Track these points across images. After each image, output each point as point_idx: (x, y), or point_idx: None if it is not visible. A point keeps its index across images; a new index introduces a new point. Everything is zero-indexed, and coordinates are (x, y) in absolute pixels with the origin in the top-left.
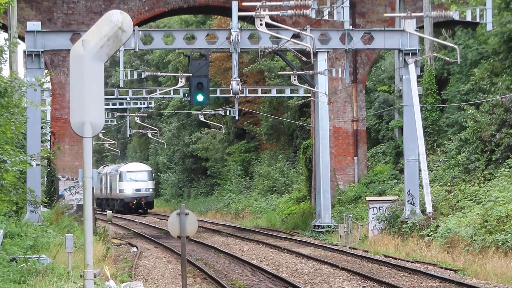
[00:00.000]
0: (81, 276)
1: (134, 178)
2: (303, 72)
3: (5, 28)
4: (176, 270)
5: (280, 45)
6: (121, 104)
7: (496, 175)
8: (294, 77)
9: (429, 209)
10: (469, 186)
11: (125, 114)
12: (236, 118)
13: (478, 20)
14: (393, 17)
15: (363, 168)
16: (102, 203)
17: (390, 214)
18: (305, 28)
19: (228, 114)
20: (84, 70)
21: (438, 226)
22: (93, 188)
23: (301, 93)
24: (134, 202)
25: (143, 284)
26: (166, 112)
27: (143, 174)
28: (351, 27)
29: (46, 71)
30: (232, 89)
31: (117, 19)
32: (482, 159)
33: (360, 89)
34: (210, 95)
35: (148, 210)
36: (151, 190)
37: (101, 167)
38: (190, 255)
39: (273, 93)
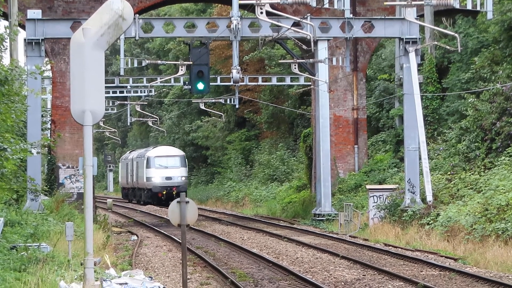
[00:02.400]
0: (81, 264)
1: (164, 164)
2: (304, 61)
3: (5, 16)
4: (176, 258)
5: (281, 34)
6: (121, 92)
7: (497, 163)
8: (295, 65)
9: (429, 197)
10: (470, 175)
11: (126, 102)
12: (237, 106)
13: (478, 8)
14: (393, 5)
15: (364, 157)
16: (128, 194)
17: (391, 203)
18: (305, 17)
19: (228, 102)
20: (84, 58)
21: (438, 214)
22: (96, 176)
23: (302, 81)
24: (164, 193)
25: (143, 272)
26: (167, 100)
27: (174, 160)
28: (351, 16)
29: (46, 59)
30: (232, 77)
31: (118, 7)
32: (482, 147)
33: (360, 77)
34: (211, 84)
35: None
36: (183, 178)
37: (128, 152)
38: (190, 243)
39: (274, 81)
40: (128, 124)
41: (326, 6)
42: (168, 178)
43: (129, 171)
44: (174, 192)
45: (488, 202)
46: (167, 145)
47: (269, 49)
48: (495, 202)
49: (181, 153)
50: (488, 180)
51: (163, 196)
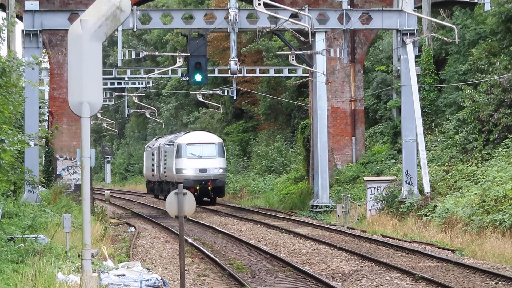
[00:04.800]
0: (79, 256)
1: (198, 154)
2: (301, 52)
3: (3, 7)
4: (174, 250)
5: (278, 25)
6: (119, 83)
7: (494, 155)
8: (292, 57)
9: (427, 189)
10: (467, 166)
11: (123, 93)
12: (234, 98)
13: (476, 0)
14: None
15: (361, 148)
16: (154, 188)
17: (388, 194)
18: (303, 8)
19: (226, 94)
20: (82, 49)
21: (435, 206)
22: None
23: (299, 73)
24: (198, 187)
25: (141, 264)
26: (164, 92)
27: (210, 148)
28: (349, 7)
29: (44, 50)
30: (230, 69)
31: None
32: (480, 139)
33: (358, 69)
34: (208, 75)
35: (217, 198)
36: (221, 170)
37: (154, 139)
38: (188, 235)
39: (271, 73)
40: (126, 115)
41: None
42: (203, 170)
43: (155, 161)
44: (209, 187)
45: (485, 193)
46: (201, 130)
47: (266, 41)
48: (493, 194)
49: (218, 139)
50: (485, 171)
51: (197, 191)
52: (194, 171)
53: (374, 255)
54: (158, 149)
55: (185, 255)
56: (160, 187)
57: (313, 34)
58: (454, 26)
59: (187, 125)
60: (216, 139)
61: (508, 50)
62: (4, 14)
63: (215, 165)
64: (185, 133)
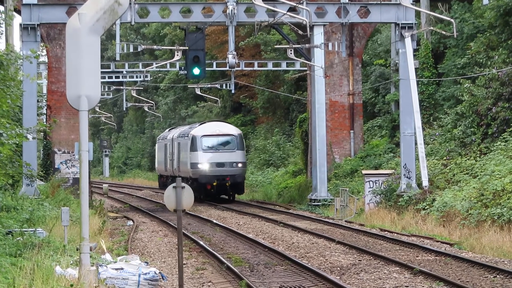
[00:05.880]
0: (77, 249)
1: (215, 146)
2: (300, 46)
3: (0, 1)
4: (172, 243)
5: (277, 19)
6: (117, 77)
7: (492, 149)
8: (291, 50)
9: (425, 182)
10: (465, 160)
11: (121, 87)
12: (232, 91)
13: None
14: None
15: (359, 142)
16: (167, 183)
17: (386, 188)
18: (301, 2)
19: (224, 87)
20: (80, 43)
21: (434, 199)
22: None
23: (298, 66)
24: (214, 184)
25: (139, 258)
26: (162, 86)
27: (228, 140)
28: (347, 1)
29: (42, 44)
30: (228, 62)
31: None
32: (478, 133)
33: (356, 62)
34: (206, 69)
35: (236, 195)
36: (240, 165)
37: (166, 130)
38: (186, 228)
39: (269, 66)
40: (124, 109)
41: None
42: (220, 165)
43: (168, 154)
44: (227, 183)
45: (483, 187)
46: (218, 120)
47: (265, 35)
48: (491, 187)
49: (237, 131)
50: (483, 165)
51: (213, 188)
52: (210, 165)
53: (372, 249)
54: (171, 141)
55: (183, 249)
56: (173, 183)
57: (311, 27)
58: (452, 20)
59: (185, 118)
60: (234, 130)
61: (507, 44)
62: (2, 8)
63: (233, 159)
64: (201, 123)
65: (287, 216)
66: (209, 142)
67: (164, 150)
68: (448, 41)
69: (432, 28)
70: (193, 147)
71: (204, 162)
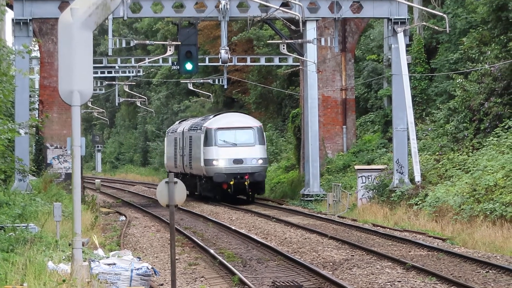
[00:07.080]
0: (69, 244)
1: (232, 141)
2: (292, 41)
3: None
4: (164, 238)
5: (269, 14)
6: (109, 72)
7: (485, 144)
8: (283, 46)
9: (417, 178)
10: (458, 155)
11: (114, 82)
12: (225, 86)
13: None
14: None
15: (352, 137)
16: None
17: (379, 183)
18: None
19: (216, 82)
20: (72, 38)
21: (426, 195)
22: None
23: (290, 62)
24: (232, 183)
25: (131, 253)
26: (155, 81)
27: (246, 134)
28: None
29: (34, 39)
30: (221, 57)
31: None
32: (470, 128)
33: (349, 58)
34: (199, 64)
35: (256, 195)
36: (261, 161)
37: (177, 122)
38: (178, 223)
39: (262, 61)
40: (116, 104)
41: None
42: (238, 161)
43: (179, 149)
44: (246, 182)
45: (476, 182)
46: (235, 111)
47: (257, 30)
48: (483, 183)
49: (257, 123)
50: (476, 160)
51: (230, 188)
52: (226, 162)
53: (365, 244)
54: (181, 134)
55: (175, 244)
56: (183, 181)
57: (304, 23)
58: (445, 15)
59: (178, 113)
60: (254, 122)
61: (499, 39)
62: None
63: (253, 155)
64: (215, 115)
65: (280, 212)
66: (225, 136)
67: (174, 144)
68: (440, 36)
69: (424, 23)
70: (207, 142)
71: (220, 159)
